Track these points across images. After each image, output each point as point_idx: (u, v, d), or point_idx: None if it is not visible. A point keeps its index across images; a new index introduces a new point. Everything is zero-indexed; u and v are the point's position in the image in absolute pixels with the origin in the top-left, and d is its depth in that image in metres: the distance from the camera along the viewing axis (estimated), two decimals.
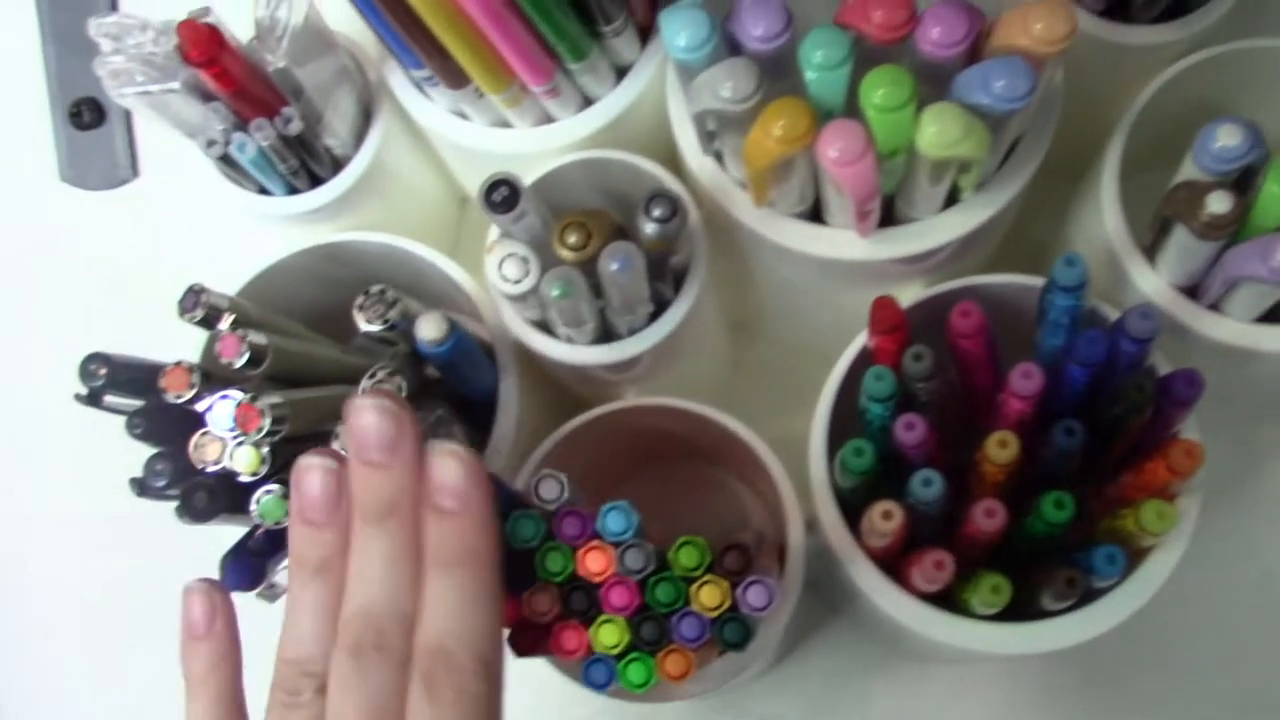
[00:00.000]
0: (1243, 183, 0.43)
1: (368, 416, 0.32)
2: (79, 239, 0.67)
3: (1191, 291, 0.46)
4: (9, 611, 0.67)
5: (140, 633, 0.63)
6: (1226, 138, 0.41)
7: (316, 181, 0.52)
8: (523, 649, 0.42)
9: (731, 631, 0.39)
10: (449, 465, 0.33)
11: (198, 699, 0.35)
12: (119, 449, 0.44)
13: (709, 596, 0.39)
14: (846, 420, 0.48)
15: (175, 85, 0.45)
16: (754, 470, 0.52)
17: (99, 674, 0.65)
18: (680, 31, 0.40)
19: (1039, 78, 0.40)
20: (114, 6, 0.66)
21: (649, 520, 0.42)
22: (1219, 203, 0.41)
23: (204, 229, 0.64)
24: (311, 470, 0.33)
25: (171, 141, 0.50)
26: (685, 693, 0.46)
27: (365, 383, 0.44)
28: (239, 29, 0.47)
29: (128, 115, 0.66)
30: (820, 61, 0.40)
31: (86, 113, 0.65)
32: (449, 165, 0.59)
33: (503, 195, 0.42)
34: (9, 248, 0.68)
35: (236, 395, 0.43)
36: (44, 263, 0.67)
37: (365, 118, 0.53)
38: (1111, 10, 0.48)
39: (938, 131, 0.39)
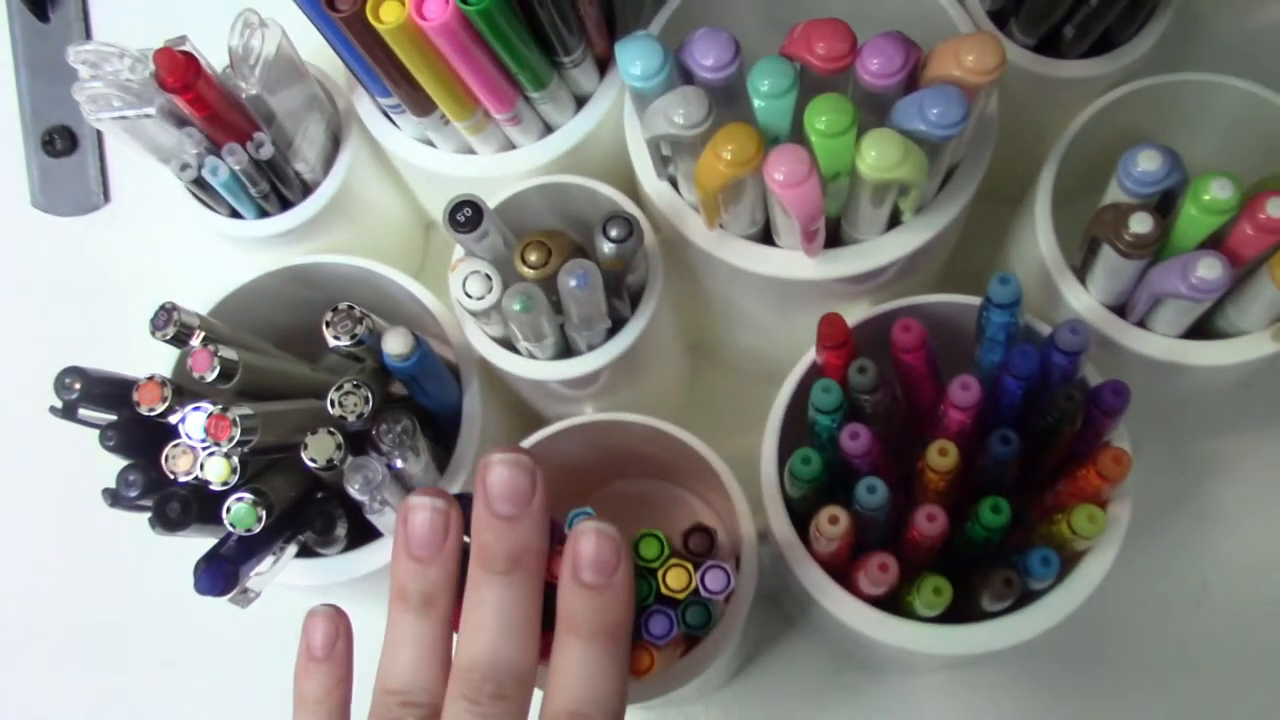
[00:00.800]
0: (1164, 205, 0.46)
1: (501, 470, 0.34)
2: (51, 263, 0.68)
3: (1120, 310, 0.49)
4: None
5: (105, 643, 0.65)
6: (1147, 162, 0.44)
7: (286, 205, 0.54)
8: None
9: (694, 615, 0.42)
10: (597, 541, 0.34)
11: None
12: (90, 466, 0.46)
13: (675, 579, 0.41)
14: (797, 433, 0.50)
15: (151, 111, 0.47)
16: (709, 484, 0.54)
17: (52, 688, 0.66)
18: (635, 60, 0.42)
19: (971, 106, 0.42)
20: (88, 35, 0.67)
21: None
22: (1141, 223, 0.43)
23: (174, 252, 0.65)
24: (420, 509, 0.35)
25: (142, 168, 0.52)
26: (647, 693, 0.48)
27: (333, 394, 0.46)
28: (213, 57, 0.49)
29: (99, 142, 0.68)
30: (767, 90, 0.43)
31: (59, 140, 0.67)
32: (415, 191, 0.61)
33: (466, 216, 0.44)
34: None
35: (208, 407, 0.45)
36: (16, 286, 0.69)
37: (334, 144, 0.55)
38: (1043, 45, 0.51)
39: (877, 155, 0.42)
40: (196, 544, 0.46)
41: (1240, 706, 0.59)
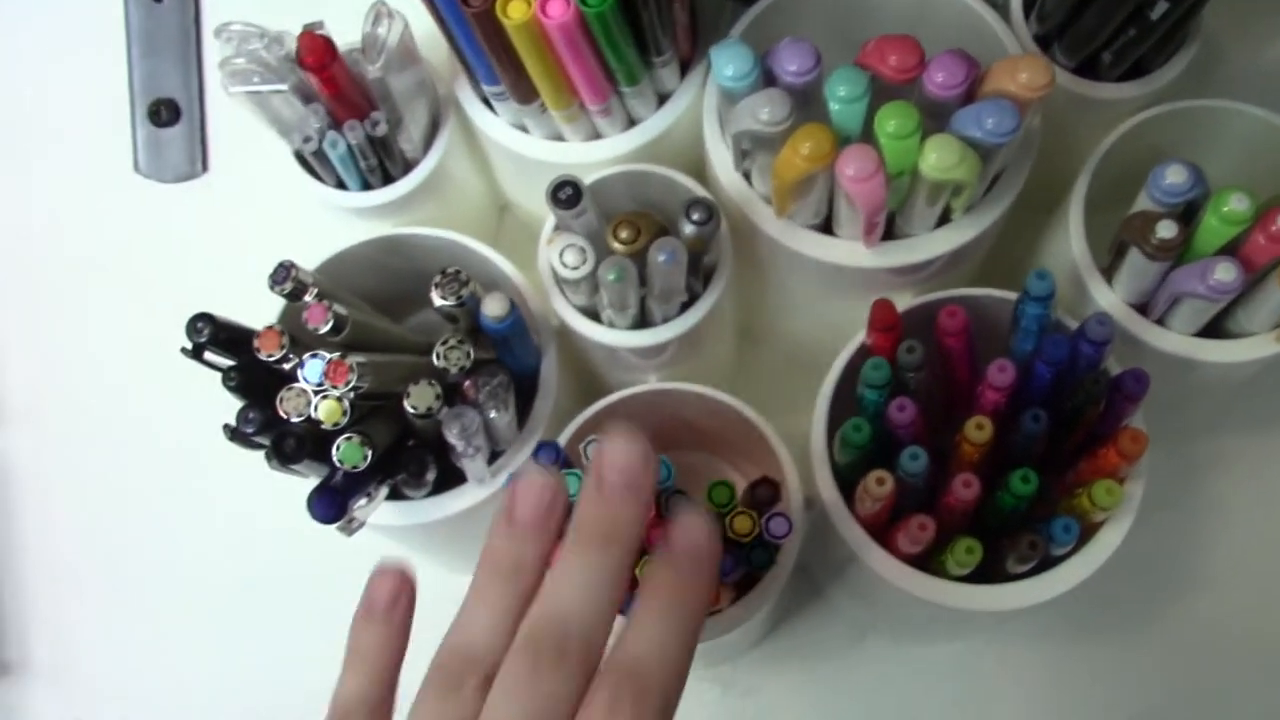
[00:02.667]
0: (1187, 215, 0.51)
1: (619, 445, 0.34)
2: (152, 225, 0.74)
3: (1142, 309, 0.54)
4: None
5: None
6: (1174, 176, 0.49)
7: (386, 179, 0.59)
8: None
9: (758, 556, 0.47)
10: (697, 523, 0.34)
11: (357, 673, 0.36)
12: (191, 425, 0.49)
13: (741, 525, 0.46)
14: (840, 410, 0.55)
15: (284, 86, 0.52)
16: (756, 456, 0.59)
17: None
18: (729, 63, 0.48)
19: (1022, 118, 0.48)
20: (198, 15, 0.73)
21: None
22: (1167, 229, 0.49)
23: (264, 220, 0.70)
24: (534, 484, 0.35)
25: (238, 141, 0.56)
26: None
27: (438, 348, 0.51)
28: (340, 40, 0.54)
29: (201, 115, 0.73)
30: (843, 95, 0.48)
31: (164, 112, 0.72)
32: (497, 174, 0.66)
33: (568, 194, 0.50)
34: (90, 234, 0.75)
35: (326, 354, 0.50)
36: (119, 246, 0.74)
37: (434, 126, 0.60)
38: (1083, 69, 0.56)
39: (938, 158, 0.47)
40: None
41: (1231, 687, 0.64)
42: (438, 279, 0.52)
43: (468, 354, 0.51)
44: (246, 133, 0.58)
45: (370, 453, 0.50)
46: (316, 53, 0.50)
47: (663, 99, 0.58)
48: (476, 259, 0.59)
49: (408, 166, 0.59)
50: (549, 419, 0.57)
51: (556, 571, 0.33)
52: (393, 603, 0.36)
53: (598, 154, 0.57)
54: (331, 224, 0.63)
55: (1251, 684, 0.64)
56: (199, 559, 0.70)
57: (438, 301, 0.52)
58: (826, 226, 0.55)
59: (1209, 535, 0.66)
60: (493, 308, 0.52)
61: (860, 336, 0.55)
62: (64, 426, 0.73)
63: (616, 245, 0.50)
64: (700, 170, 0.57)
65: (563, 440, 0.56)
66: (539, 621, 0.32)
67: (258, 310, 0.54)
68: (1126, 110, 0.56)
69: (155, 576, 0.70)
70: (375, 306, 0.58)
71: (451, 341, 0.51)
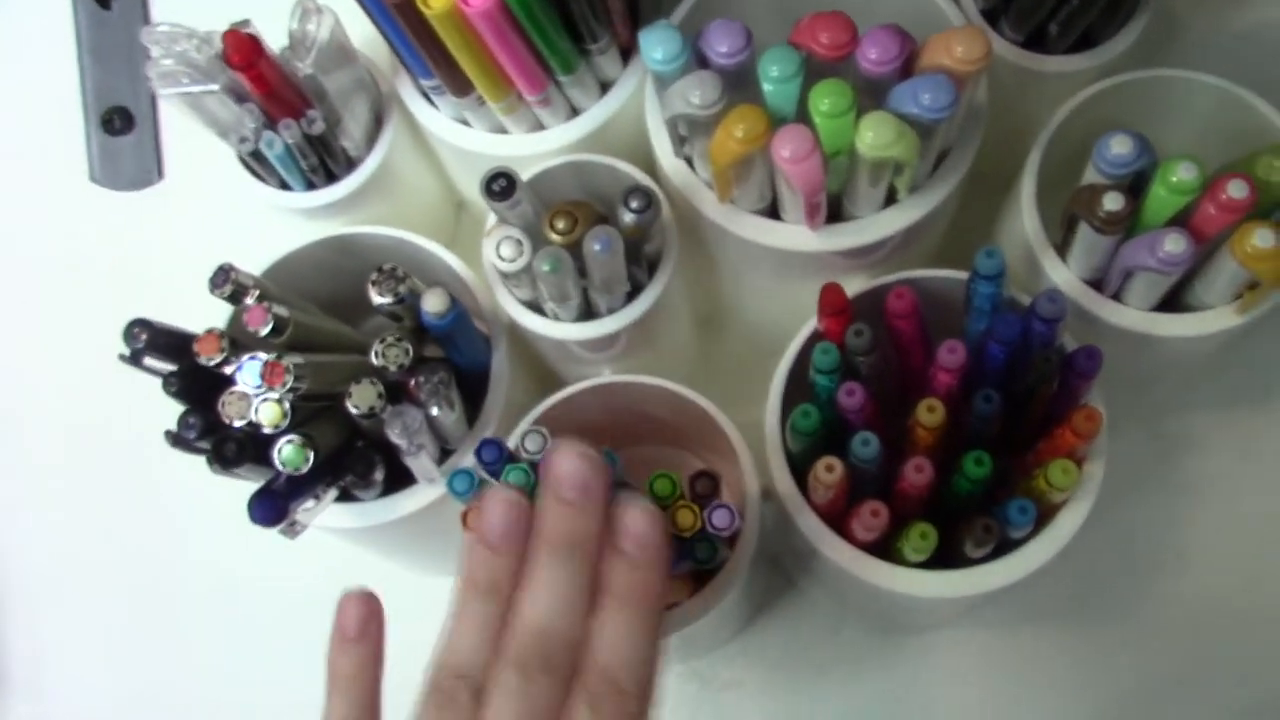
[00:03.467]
0: (1136, 187, 0.50)
1: (569, 459, 0.36)
2: (108, 234, 0.73)
3: (1098, 285, 0.53)
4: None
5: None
6: (1119, 146, 0.48)
7: (332, 179, 0.59)
8: None
9: (702, 550, 0.46)
10: (640, 515, 0.36)
11: (341, 697, 0.38)
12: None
13: (683, 518, 0.45)
14: (798, 397, 0.54)
15: (214, 87, 0.51)
16: (715, 447, 0.58)
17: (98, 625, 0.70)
18: (657, 46, 0.47)
19: (960, 93, 0.47)
20: (147, 22, 0.72)
21: None
22: (1113, 201, 0.48)
23: (223, 225, 0.70)
24: (500, 502, 0.37)
25: (193, 147, 0.56)
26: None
27: (376, 346, 0.50)
28: (268, 40, 0.54)
29: (155, 123, 0.73)
30: (775, 75, 0.47)
31: (117, 120, 0.72)
32: (448, 170, 0.66)
33: (501, 185, 0.49)
34: (45, 243, 0.74)
35: (264, 355, 0.49)
36: (76, 255, 0.73)
37: (377, 124, 0.59)
38: (1031, 42, 0.55)
39: (874, 135, 0.46)
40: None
41: (1207, 668, 0.63)
42: (375, 276, 0.51)
43: (407, 351, 0.50)
44: (201, 138, 0.57)
45: (312, 455, 0.49)
46: (243, 51, 0.49)
47: (606, 88, 0.57)
48: (426, 256, 0.58)
49: (351, 165, 0.58)
50: (500, 415, 0.56)
51: (531, 584, 0.35)
52: (363, 628, 0.39)
53: (541, 145, 0.57)
54: (286, 227, 0.62)
55: (1227, 663, 0.63)
56: (172, 573, 0.70)
57: (375, 299, 0.51)
58: (775, 211, 0.54)
59: (1181, 514, 0.65)
60: (433, 304, 0.51)
61: (813, 322, 0.54)
62: (27, 438, 0.72)
63: (553, 235, 0.49)
64: (647, 158, 0.56)
65: (516, 436, 0.55)
66: (524, 637, 0.35)
67: (216, 316, 0.53)
68: (1079, 83, 0.55)
69: (130, 591, 0.70)
70: (334, 309, 0.57)
71: (390, 339, 0.50)
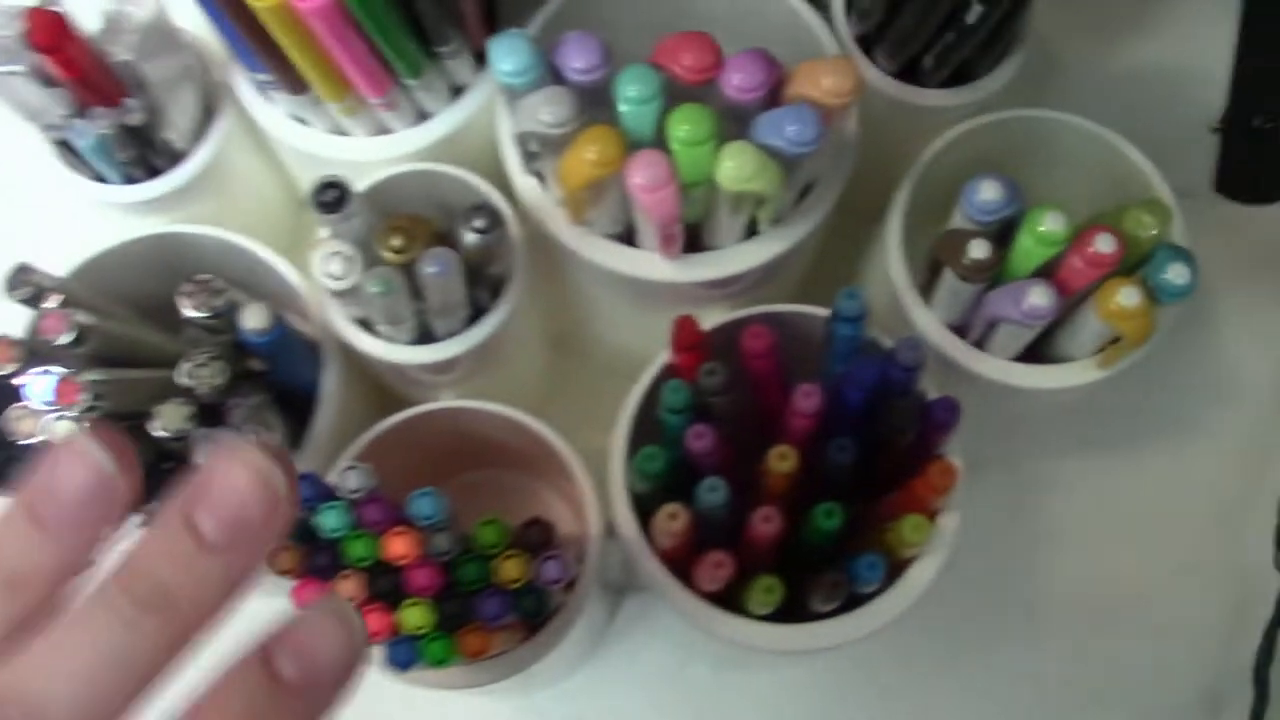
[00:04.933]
0: (1004, 233, 0.48)
1: (231, 479, 0.23)
2: None
3: (961, 330, 0.51)
4: None
5: None
6: (987, 192, 0.46)
7: (156, 174, 0.54)
8: None
9: (529, 603, 0.43)
10: (237, 483, 0.23)
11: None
12: None
13: (511, 569, 0.42)
14: (651, 431, 0.52)
15: (20, 68, 0.46)
16: (562, 476, 0.55)
17: None
18: (506, 57, 0.43)
19: (827, 127, 0.44)
20: None
21: (466, 520, 0.45)
22: (979, 249, 0.46)
23: (35, 215, 0.64)
24: (77, 458, 0.23)
25: (4, 131, 0.51)
26: (486, 677, 0.49)
27: (184, 364, 0.46)
28: (89, 21, 0.49)
29: None
30: (633, 96, 0.44)
31: None
32: (289, 168, 0.61)
33: (332, 196, 0.45)
34: None
35: (58, 370, 0.44)
36: None
37: (207, 116, 0.54)
38: (906, 73, 0.53)
39: (734, 167, 0.43)
40: None
41: (1065, 714, 0.62)
42: (186, 287, 0.46)
43: (222, 371, 0.46)
44: (9, 121, 0.52)
45: None
46: (46, 31, 0.44)
47: (459, 93, 0.53)
48: (254, 262, 0.54)
49: (177, 160, 0.53)
50: (331, 439, 0.52)
51: (64, 623, 0.23)
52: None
53: (386, 150, 0.53)
54: (111, 222, 0.57)
55: (1084, 710, 0.62)
56: None
57: (187, 313, 0.47)
58: (632, 235, 0.51)
59: (1040, 560, 0.64)
60: (252, 320, 0.47)
61: (666, 355, 0.51)
62: None
63: (386, 254, 0.45)
64: (503, 172, 0.53)
65: (341, 463, 0.52)
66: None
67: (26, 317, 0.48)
68: (952, 119, 0.53)
69: None
70: (156, 313, 0.53)
71: (201, 358, 0.46)
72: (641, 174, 0.43)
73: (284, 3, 0.42)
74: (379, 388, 0.58)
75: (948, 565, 0.50)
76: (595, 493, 0.52)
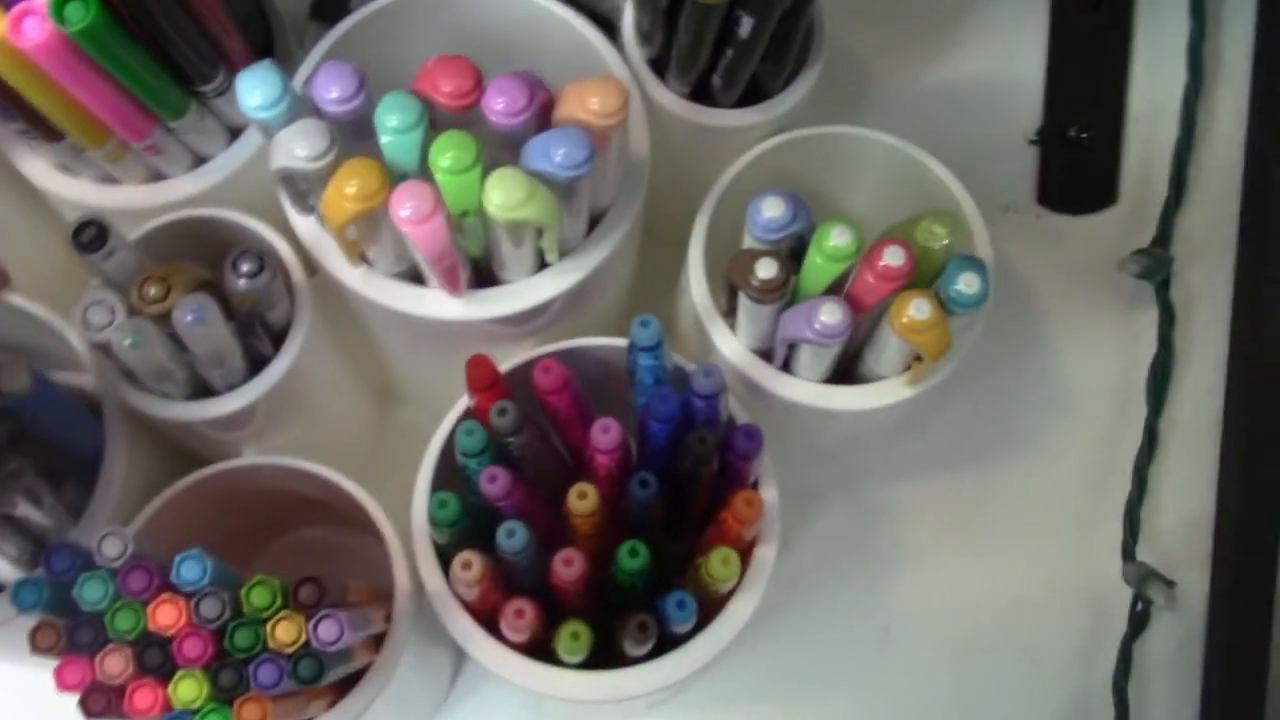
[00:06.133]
0: (798, 251, 0.46)
1: None
2: None
3: (768, 355, 0.50)
4: None
5: None
6: (770, 209, 0.45)
7: None
8: (95, 713, 0.41)
9: (305, 668, 0.40)
10: None
11: None
12: None
13: (284, 632, 0.39)
14: (457, 478, 0.49)
15: None
16: (374, 530, 0.52)
17: None
18: (254, 90, 0.41)
19: (598, 148, 0.42)
20: None
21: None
22: (766, 269, 0.44)
23: None
24: None
25: None
26: None
27: None
28: None
29: None
30: (394, 126, 0.42)
31: None
32: (65, 219, 0.58)
33: (89, 236, 0.42)
34: None
35: None
36: None
37: None
38: (699, 94, 0.52)
39: (502, 194, 0.41)
40: None
41: None
42: None
43: None
44: None
45: None
46: None
47: (236, 134, 0.50)
48: (26, 319, 0.51)
49: None
50: (119, 507, 0.49)
51: None
52: None
53: (161, 197, 0.50)
54: None
55: None
56: None
57: None
58: (420, 273, 0.48)
59: (886, 584, 0.62)
60: (9, 382, 0.44)
61: (466, 399, 0.49)
62: None
63: (142, 305, 0.43)
64: None
65: (136, 527, 0.49)
66: None
67: None
68: (752, 139, 0.52)
69: None
70: None
71: None
72: (405, 206, 0.41)
73: (2, 42, 0.39)
74: (179, 449, 0.55)
75: (801, 595, 0.48)
76: (402, 545, 0.50)
